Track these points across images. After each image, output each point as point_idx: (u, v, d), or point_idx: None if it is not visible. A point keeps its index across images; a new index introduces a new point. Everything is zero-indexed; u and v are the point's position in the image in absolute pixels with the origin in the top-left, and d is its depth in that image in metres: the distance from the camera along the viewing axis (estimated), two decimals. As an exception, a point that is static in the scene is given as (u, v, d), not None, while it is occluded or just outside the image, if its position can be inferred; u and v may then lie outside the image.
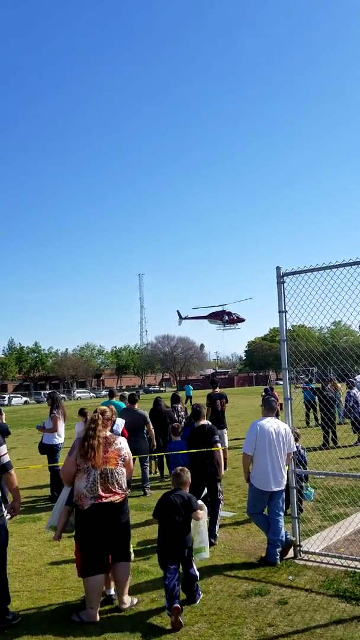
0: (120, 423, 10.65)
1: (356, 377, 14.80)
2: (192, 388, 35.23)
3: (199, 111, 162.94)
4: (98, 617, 4.96)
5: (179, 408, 11.95)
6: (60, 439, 10.13)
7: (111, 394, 12.51)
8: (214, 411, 12.03)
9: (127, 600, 5.19)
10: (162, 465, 11.58)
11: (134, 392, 13.17)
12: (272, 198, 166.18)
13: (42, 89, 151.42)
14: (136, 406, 10.59)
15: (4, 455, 5.06)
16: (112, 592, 5.39)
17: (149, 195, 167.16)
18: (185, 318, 62.05)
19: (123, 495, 5.21)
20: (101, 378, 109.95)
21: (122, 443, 5.38)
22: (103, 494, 5.04)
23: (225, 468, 9.10)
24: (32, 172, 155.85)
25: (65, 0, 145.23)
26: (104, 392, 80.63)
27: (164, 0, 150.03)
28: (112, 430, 9.98)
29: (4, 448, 5.11)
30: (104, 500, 5.04)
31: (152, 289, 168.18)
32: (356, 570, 5.69)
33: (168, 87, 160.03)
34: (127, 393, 12.14)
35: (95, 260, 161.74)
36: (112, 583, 5.35)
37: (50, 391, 15.63)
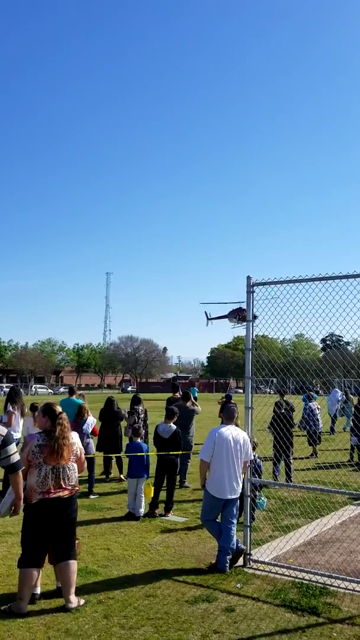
0: (90, 422, 10.61)
1: (336, 390, 15.08)
2: (197, 390, 34.77)
3: (175, 113, 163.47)
4: (27, 610, 4.97)
5: (140, 410, 11.90)
6: (17, 434, 9.96)
7: (71, 392, 12.36)
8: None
9: (74, 600, 5.14)
10: (121, 466, 11.50)
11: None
12: (244, 202, 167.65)
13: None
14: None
15: (13, 454, 4.98)
16: (38, 591, 5.32)
17: (125, 193, 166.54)
18: (213, 318, 59.54)
19: (72, 491, 5.23)
20: (60, 375, 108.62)
21: (75, 438, 5.43)
22: (52, 489, 5.08)
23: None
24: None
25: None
26: (62, 389, 79.68)
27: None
28: (82, 429, 10.06)
29: (13, 447, 5.01)
30: (52, 495, 5.07)
31: (119, 288, 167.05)
32: (303, 581, 5.75)
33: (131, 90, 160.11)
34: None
35: (63, 254, 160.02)
36: (39, 582, 5.32)
37: (10, 385, 15.39)
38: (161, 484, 8.93)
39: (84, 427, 10.37)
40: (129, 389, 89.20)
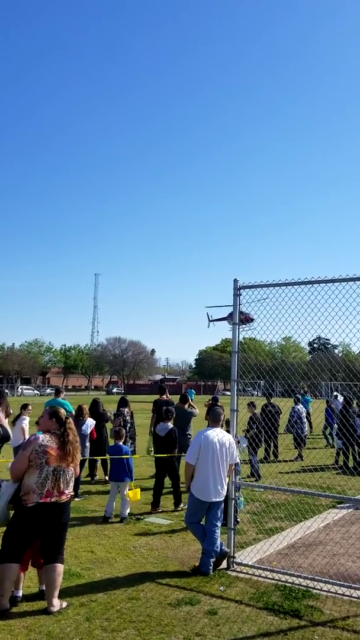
0: (90, 423, 10.65)
1: (337, 396, 15.15)
2: (194, 392, 34.61)
3: (161, 117, 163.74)
4: (8, 606, 4.99)
5: (125, 412, 11.88)
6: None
7: (57, 393, 12.33)
8: (159, 418, 11.98)
9: (57, 603, 5.11)
10: (106, 468, 11.46)
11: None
12: (235, 204, 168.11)
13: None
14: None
15: None
16: (20, 594, 5.31)
17: (115, 195, 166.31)
18: (214, 320, 59.38)
19: (69, 496, 5.23)
20: (47, 376, 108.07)
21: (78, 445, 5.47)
22: (51, 492, 5.06)
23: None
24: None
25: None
26: (48, 390, 79.26)
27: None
28: (81, 429, 10.14)
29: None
30: (50, 499, 5.05)
31: (108, 289, 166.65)
32: (286, 584, 5.77)
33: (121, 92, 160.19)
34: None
35: (51, 256, 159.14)
36: (22, 584, 5.33)
37: None
38: (162, 482, 9.06)
39: (83, 427, 10.43)
40: (114, 390, 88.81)
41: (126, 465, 8.64)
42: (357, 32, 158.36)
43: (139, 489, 8.66)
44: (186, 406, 11.33)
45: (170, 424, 9.36)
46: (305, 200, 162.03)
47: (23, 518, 5.05)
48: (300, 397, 16.34)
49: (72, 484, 5.28)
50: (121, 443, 9.07)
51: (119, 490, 8.55)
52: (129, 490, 8.51)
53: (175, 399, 12.27)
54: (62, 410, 5.40)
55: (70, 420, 5.38)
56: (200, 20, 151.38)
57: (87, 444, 10.64)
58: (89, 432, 10.64)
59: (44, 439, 5.16)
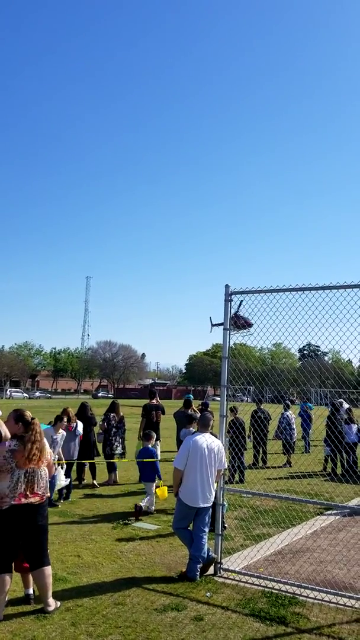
0: (80, 426, 10.75)
1: (342, 403, 15.15)
2: (192, 397, 34.54)
3: (156, 120, 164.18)
4: (2, 617, 4.94)
5: (111, 417, 11.83)
6: None
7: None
8: (149, 422, 11.97)
9: (52, 603, 5.17)
10: (94, 472, 11.41)
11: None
12: (227, 209, 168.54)
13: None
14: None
15: None
16: (31, 591, 5.39)
17: (107, 199, 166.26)
18: (216, 325, 59.83)
19: (43, 498, 5.21)
20: (37, 379, 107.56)
21: (45, 444, 5.43)
22: (24, 494, 5.05)
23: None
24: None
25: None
26: (37, 394, 78.91)
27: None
28: (76, 431, 10.33)
29: None
30: (24, 501, 5.04)
31: (100, 293, 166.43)
32: (273, 590, 5.76)
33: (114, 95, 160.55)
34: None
35: (43, 258, 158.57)
36: (31, 582, 5.37)
37: None
38: None
39: (79, 429, 10.62)
40: (99, 394, 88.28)
41: (155, 466, 9.28)
42: (357, 32, 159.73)
43: (166, 487, 9.13)
44: (189, 411, 11.69)
45: (192, 429, 9.48)
46: (295, 208, 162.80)
47: (0, 523, 5.03)
48: (302, 403, 16.36)
49: (46, 485, 5.26)
50: (150, 445, 9.65)
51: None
52: (157, 488, 9.11)
53: (166, 403, 12.30)
54: (28, 413, 5.39)
55: (36, 421, 5.34)
56: (199, 21, 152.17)
57: (77, 446, 10.68)
58: (80, 433, 10.72)
59: (11, 444, 5.16)
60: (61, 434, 9.79)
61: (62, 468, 9.56)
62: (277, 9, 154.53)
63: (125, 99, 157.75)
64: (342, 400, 19.91)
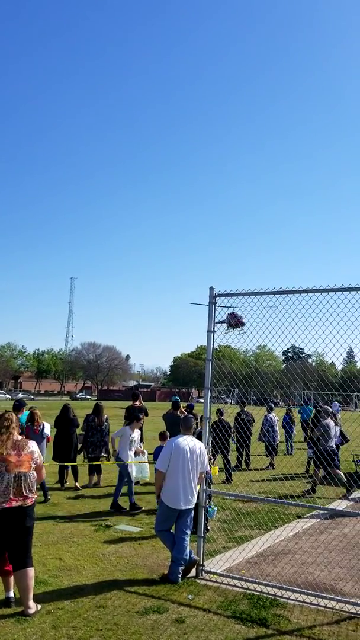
0: (48, 426, 10.60)
1: (335, 404, 15.20)
2: (179, 399, 34.44)
3: (141, 119, 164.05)
4: None
5: (90, 419, 11.75)
6: None
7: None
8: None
9: (33, 605, 5.15)
10: (76, 474, 11.33)
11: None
12: (212, 210, 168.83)
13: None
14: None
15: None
16: (12, 594, 5.35)
17: (93, 200, 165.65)
18: (198, 304, 59.85)
19: (32, 500, 5.24)
20: (19, 380, 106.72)
21: (34, 447, 5.43)
22: (14, 498, 5.08)
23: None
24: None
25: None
26: (20, 395, 78.28)
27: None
28: (42, 433, 10.13)
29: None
30: (14, 504, 5.07)
31: (84, 294, 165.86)
32: (254, 592, 5.77)
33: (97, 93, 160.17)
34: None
35: (27, 259, 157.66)
36: (12, 585, 5.35)
37: None
38: None
39: (45, 431, 10.44)
40: (78, 396, 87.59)
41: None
42: (352, 29, 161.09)
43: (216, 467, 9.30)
44: (178, 412, 11.67)
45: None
46: (281, 208, 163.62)
47: None
48: (302, 406, 16.37)
49: (34, 487, 5.28)
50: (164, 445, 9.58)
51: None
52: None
53: (150, 405, 12.28)
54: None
55: (11, 416, 5.33)
56: (199, 20, 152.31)
57: (45, 447, 10.56)
58: (48, 434, 10.60)
59: None
60: (137, 433, 10.06)
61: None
62: (254, 17, 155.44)
63: (108, 101, 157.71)
64: (327, 407, 19.94)
